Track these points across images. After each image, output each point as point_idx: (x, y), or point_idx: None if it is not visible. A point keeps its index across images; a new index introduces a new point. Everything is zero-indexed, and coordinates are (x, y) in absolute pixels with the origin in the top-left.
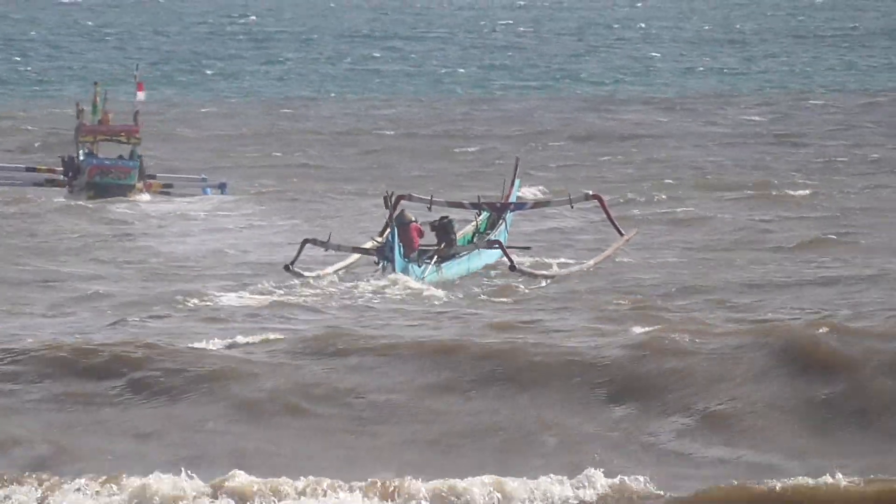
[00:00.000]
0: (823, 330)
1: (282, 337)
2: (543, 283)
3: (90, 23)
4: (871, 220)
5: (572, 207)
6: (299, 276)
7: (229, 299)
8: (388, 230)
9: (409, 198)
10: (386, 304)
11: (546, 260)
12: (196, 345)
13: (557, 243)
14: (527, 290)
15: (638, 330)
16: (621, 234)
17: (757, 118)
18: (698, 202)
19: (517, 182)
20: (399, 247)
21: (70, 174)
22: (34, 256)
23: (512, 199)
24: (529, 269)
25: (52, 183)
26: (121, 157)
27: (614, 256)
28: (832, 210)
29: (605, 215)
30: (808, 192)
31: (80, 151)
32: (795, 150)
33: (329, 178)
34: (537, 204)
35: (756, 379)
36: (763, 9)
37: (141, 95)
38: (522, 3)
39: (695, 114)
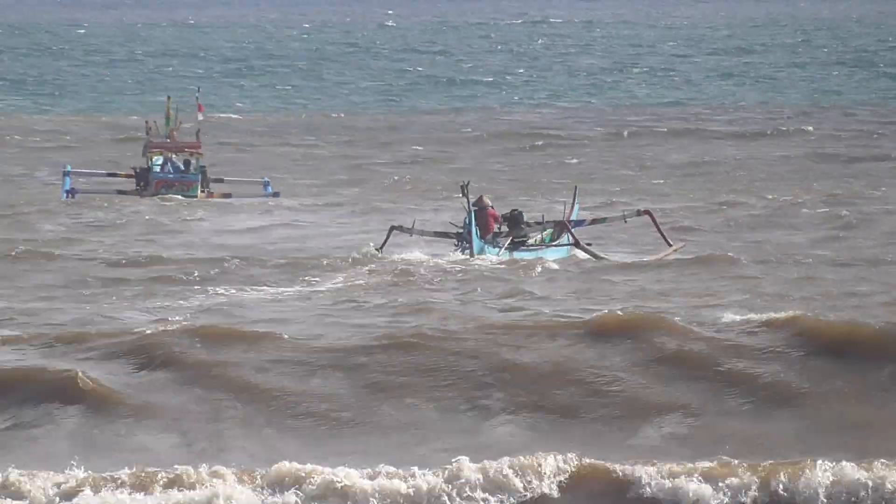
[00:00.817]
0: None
1: (374, 315)
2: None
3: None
4: None
5: (626, 222)
6: (386, 259)
7: (316, 283)
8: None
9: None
10: (461, 284)
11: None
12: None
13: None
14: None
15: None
16: (669, 245)
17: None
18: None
19: (576, 206)
20: (476, 229)
21: (141, 184)
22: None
23: (573, 217)
24: (591, 249)
25: (123, 193)
26: (182, 168)
27: (664, 260)
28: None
29: (655, 228)
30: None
31: (151, 162)
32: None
33: (391, 178)
34: (595, 221)
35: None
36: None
37: (200, 116)
38: (559, 20)
39: (706, 119)
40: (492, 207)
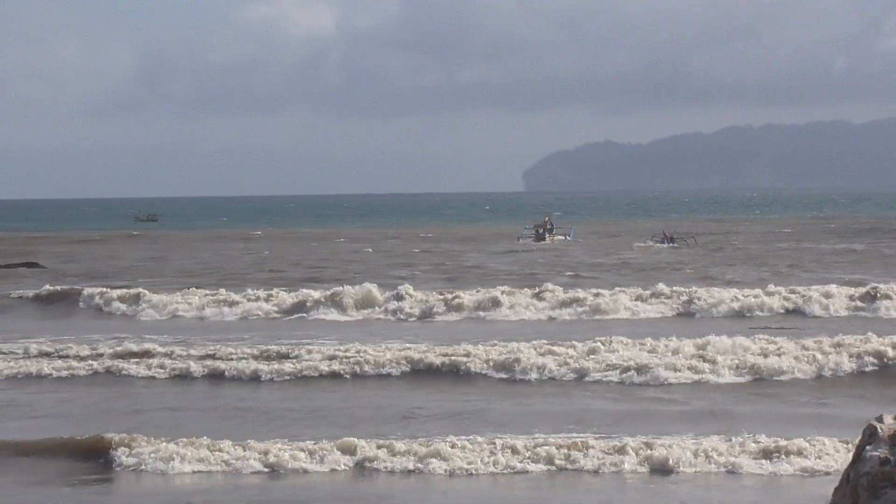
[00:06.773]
0: None
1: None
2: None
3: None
4: None
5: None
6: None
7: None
8: (657, 236)
9: (663, 231)
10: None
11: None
12: None
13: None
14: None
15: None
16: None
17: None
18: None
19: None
20: (665, 239)
21: (537, 238)
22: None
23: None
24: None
25: (530, 239)
26: (543, 230)
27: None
28: None
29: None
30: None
31: (538, 231)
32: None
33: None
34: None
35: None
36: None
37: (548, 222)
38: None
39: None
40: (668, 234)
